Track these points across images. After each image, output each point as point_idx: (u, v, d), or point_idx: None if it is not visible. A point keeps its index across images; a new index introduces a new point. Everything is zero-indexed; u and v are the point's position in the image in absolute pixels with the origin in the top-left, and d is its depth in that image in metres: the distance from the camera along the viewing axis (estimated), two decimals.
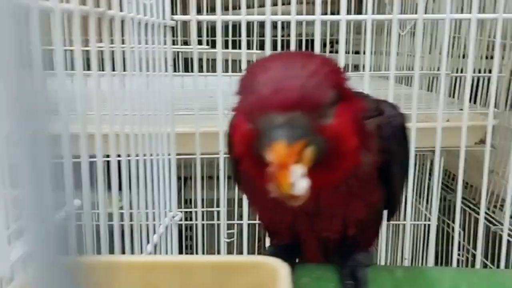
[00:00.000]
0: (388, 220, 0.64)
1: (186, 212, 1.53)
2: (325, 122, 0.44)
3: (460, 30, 1.59)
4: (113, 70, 0.72)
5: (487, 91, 1.68)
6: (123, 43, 0.73)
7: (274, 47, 1.71)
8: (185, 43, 1.79)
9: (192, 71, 1.08)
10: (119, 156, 0.70)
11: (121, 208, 0.72)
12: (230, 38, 1.80)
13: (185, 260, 0.50)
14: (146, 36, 0.79)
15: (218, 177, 1.07)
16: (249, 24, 0.99)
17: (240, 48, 1.63)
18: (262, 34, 1.86)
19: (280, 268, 0.45)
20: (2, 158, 0.33)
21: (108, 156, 0.67)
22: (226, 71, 1.56)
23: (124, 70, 0.73)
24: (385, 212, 0.63)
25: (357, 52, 2.05)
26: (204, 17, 0.92)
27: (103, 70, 0.69)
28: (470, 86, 0.96)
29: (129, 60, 0.74)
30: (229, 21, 0.98)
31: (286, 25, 1.59)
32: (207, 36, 1.69)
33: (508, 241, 1.18)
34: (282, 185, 0.41)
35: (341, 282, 0.56)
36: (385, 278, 0.57)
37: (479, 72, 1.61)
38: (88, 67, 0.66)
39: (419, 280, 0.56)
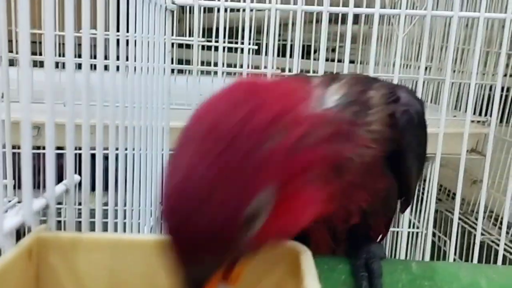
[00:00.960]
0: (403, 211, 0.62)
1: None
2: (250, 233, 0.33)
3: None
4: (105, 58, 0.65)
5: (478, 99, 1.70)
6: (117, 30, 0.68)
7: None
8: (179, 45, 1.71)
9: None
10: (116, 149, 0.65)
11: (105, 204, 0.66)
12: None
13: None
14: (149, 18, 0.75)
15: None
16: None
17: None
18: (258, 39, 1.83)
19: (303, 253, 0.42)
20: None
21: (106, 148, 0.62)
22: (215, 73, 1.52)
23: (121, 59, 0.67)
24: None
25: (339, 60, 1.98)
26: (207, 2, 0.88)
27: (94, 58, 0.62)
28: (473, 94, 0.95)
29: (130, 47, 0.69)
30: (230, 8, 0.94)
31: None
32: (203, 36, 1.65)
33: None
34: None
35: (354, 274, 0.53)
36: (400, 271, 0.54)
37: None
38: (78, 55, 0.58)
39: (437, 275, 0.53)
